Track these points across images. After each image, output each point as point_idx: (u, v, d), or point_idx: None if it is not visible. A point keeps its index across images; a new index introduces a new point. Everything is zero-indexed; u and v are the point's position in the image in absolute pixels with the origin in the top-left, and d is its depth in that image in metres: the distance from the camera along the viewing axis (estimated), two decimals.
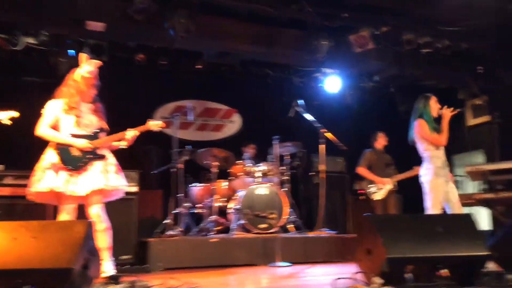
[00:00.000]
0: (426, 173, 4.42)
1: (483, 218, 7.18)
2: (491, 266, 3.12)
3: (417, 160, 6.12)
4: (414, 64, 7.35)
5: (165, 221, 5.73)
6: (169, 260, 4.85)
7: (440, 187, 4.31)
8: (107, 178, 3.63)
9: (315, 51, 6.60)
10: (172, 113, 6.85)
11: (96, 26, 5.56)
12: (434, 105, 4.66)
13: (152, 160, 6.82)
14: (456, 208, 4.25)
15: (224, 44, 6.50)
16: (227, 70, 7.58)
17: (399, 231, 2.72)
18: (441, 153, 4.47)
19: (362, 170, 6.15)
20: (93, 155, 3.65)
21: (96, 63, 3.80)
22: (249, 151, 6.90)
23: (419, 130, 4.56)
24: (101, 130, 3.79)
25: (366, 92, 8.59)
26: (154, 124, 3.93)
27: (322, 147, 6.36)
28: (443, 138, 4.46)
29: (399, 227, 2.75)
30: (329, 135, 6.28)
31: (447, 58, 7.21)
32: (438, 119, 4.60)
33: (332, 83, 8.08)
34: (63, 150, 3.60)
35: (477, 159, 7.97)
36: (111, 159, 3.78)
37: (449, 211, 4.30)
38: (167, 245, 4.99)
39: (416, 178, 6.29)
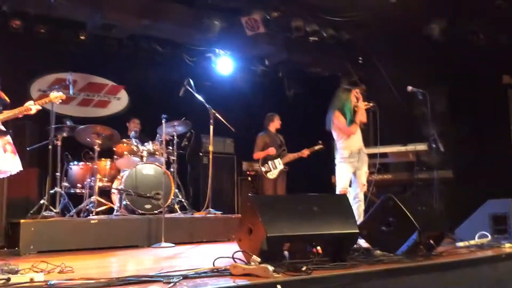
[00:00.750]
0: (336, 160, 5.14)
1: None
2: (361, 242, 3.39)
3: (304, 143, 6.45)
4: (302, 50, 7.64)
5: (40, 202, 5.34)
6: (44, 243, 4.52)
7: (346, 173, 5.04)
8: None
9: (207, 30, 6.55)
10: (50, 86, 6.36)
11: None
12: (353, 98, 5.05)
13: (27, 136, 6.29)
14: (360, 189, 5.02)
15: (108, 15, 6.16)
16: (114, 43, 7.20)
17: (278, 210, 2.81)
18: (352, 142, 5.04)
19: (257, 155, 6.36)
20: None
21: None
22: (134, 126, 6.67)
23: (335, 121, 4.94)
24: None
25: (256, 75, 8.76)
26: (56, 97, 3.63)
27: (211, 128, 6.36)
28: (354, 129, 5.07)
29: (279, 207, 2.85)
30: (218, 116, 6.29)
31: (332, 47, 7.60)
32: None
33: (224, 65, 8.10)
34: None
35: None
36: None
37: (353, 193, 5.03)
38: (42, 227, 4.64)
39: (301, 160, 6.65)
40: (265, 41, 7.42)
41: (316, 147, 6.54)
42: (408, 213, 3.28)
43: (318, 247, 2.80)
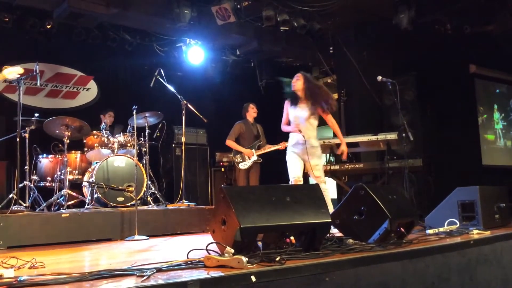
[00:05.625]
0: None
1: (331, 188, 7.84)
2: (334, 231, 3.43)
3: (279, 134, 6.46)
4: (272, 40, 7.64)
5: (9, 196, 5.20)
6: (14, 238, 4.42)
7: (291, 161, 5.00)
8: None
9: (177, 20, 6.47)
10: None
11: None
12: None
13: None
14: (316, 181, 4.90)
15: (74, 3, 6.00)
16: (82, 33, 7.04)
17: (251, 201, 2.81)
18: (296, 135, 4.95)
19: (229, 142, 6.32)
20: None
21: None
22: (108, 119, 6.57)
23: None
24: None
25: (228, 65, 8.72)
26: (12, 72, 3.45)
27: (183, 119, 6.31)
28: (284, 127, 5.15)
29: (252, 198, 2.85)
30: (190, 107, 6.24)
31: (303, 37, 7.62)
32: None
33: (195, 55, 8.03)
34: None
35: (328, 134, 8.64)
36: None
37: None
38: (11, 221, 4.53)
39: (277, 151, 6.66)
40: (236, 30, 7.39)
41: None
42: (379, 202, 3.34)
43: (292, 237, 2.82)
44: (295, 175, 4.95)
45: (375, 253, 2.94)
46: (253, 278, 2.29)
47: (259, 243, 2.87)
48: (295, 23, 6.96)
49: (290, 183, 4.93)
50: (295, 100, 5.06)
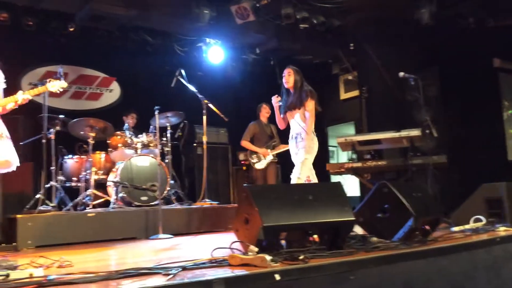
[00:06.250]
0: None
1: (353, 186, 7.80)
2: (357, 229, 3.42)
3: None
4: (292, 38, 7.63)
5: (36, 196, 5.32)
6: (41, 238, 4.53)
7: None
8: None
9: (197, 20, 6.52)
10: (41, 79, 6.31)
11: None
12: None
13: (20, 131, 6.25)
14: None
15: (96, 6, 6.10)
16: (104, 35, 7.15)
17: (274, 200, 2.82)
18: (291, 130, 4.89)
19: (244, 143, 6.37)
20: None
21: None
22: (130, 120, 6.66)
23: None
24: None
25: (248, 64, 8.74)
26: (55, 85, 3.57)
27: (204, 118, 6.35)
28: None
29: (274, 197, 2.86)
30: (211, 106, 6.28)
31: (322, 34, 7.58)
32: None
33: (215, 54, 8.06)
34: None
35: (350, 131, 8.58)
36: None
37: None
38: (39, 221, 4.65)
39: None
40: (255, 29, 7.40)
41: None
42: (403, 200, 3.31)
43: (315, 236, 2.83)
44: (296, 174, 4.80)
45: (400, 251, 2.93)
46: (277, 277, 2.30)
47: (282, 242, 2.88)
48: (314, 20, 6.94)
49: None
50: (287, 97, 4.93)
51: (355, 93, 8.46)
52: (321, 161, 6.74)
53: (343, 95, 9.07)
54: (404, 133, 6.18)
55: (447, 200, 6.15)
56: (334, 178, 7.06)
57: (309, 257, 2.57)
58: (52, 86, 3.58)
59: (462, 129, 7.76)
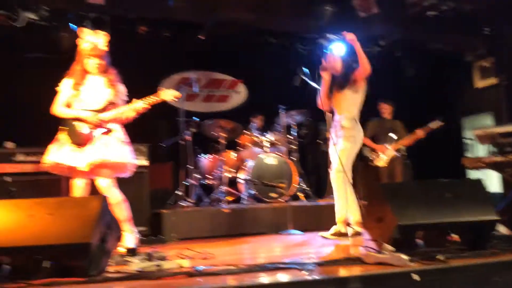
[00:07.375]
0: None
1: (494, 181, 7.19)
2: (501, 229, 3.17)
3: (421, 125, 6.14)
4: (419, 27, 7.25)
5: (176, 192, 5.81)
6: (183, 231, 4.95)
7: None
8: (109, 151, 3.62)
9: (319, 17, 6.53)
10: (177, 85, 6.83)
11: None
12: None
13: (160, 133, 6.87)
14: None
15: (223, 14, 6.42)
16: (230, 40, 7.49)
17: (408, 198, 2.75)
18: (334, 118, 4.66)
19: (364, 140, 6.25)
20: (99, 129, 3.68)
21: (98, 33, 3.79)
22: (258, 122, 6.92)
23: None
24: (110, 103, 3.78)
25: (371, 57, 8.48)
26: (168, 94, 3.80)
27: (328, 115, 6.35)
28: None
29: (409, 194, 2.79)
30: None
31: (453, 21, 7.09)
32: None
33: (337, 50, 7.98)
34: (69, 125, 3.65)
35: (486, 122, 7.93)
36: (119, 133, 3.79)
37: None
38: (180, 216, 5.09)
39: (424, 144, 6.36)
40: (379, 21, 7.16)
41: (431, 125, 6.09)
42: None
43: (455, 235, 2.70)
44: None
45: None
46: (417, 277, 2.25)
47: (418, 241, 2.79)
48: (443, 6, 6.54)
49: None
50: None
51: (492, 81, 7.79)
52: (455, 156, 6.34)
53: (479, 83, 8.39)
54: None
55: None
56: (471, 174, 6.60)
57: (449, 257, 2.47)
58: (164, 95, 3.78)
59: None
